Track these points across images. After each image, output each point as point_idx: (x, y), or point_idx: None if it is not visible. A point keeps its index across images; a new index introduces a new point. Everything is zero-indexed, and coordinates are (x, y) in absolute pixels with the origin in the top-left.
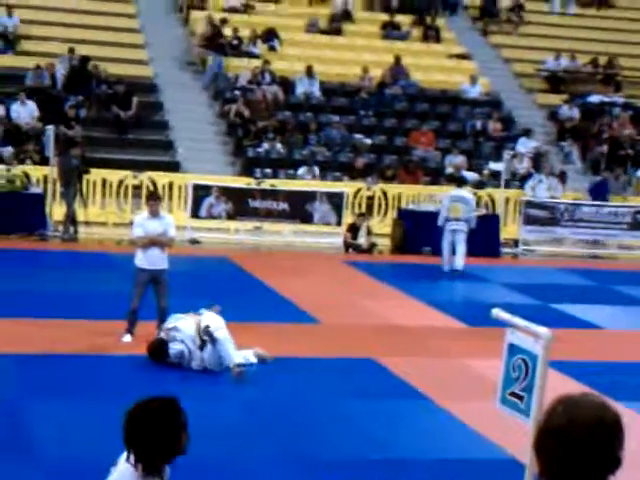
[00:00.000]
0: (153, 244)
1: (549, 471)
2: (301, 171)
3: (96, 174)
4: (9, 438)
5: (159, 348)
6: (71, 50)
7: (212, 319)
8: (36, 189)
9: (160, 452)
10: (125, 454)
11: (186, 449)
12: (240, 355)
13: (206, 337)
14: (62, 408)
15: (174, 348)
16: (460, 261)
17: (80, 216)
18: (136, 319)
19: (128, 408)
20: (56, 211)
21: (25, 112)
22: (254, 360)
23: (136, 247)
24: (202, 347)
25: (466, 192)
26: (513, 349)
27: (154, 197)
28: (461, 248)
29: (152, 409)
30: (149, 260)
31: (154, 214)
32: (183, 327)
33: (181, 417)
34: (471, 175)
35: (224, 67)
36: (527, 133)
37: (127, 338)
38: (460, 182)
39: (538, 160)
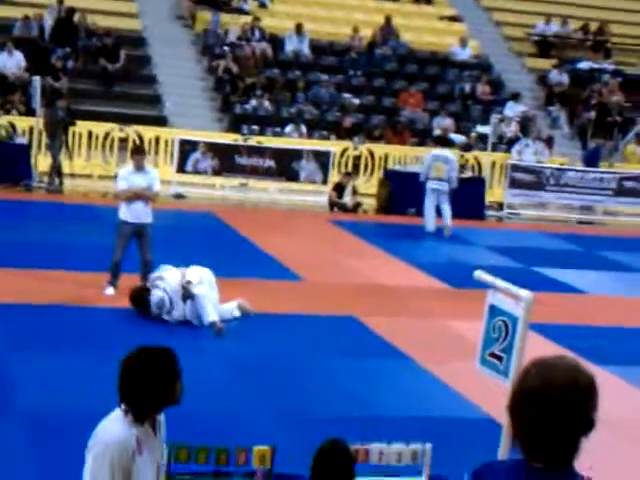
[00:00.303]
0: (137, 197)
1: (523, 432)
2: (288, 129)
3: (82, 126)
4: None
5: (140, 295)
6: (60, 1)
7: (196, 274)
8: (21, 140)
9: (153, 400)
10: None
11: (180, 399)
12: (224, 309)
13: (186, 291)
14: (44, 360)
15: (155, 295)
16: (449, 220)
17: (65, 168)
18: (119, 271)
19: (123, 356)
20: (41, 162)
21: (12, 62)
22: (237, 314)
23: (120, 200)
24: (185, 299)
25: (449, 152)
26: (494, 310)
27: (139, 151)
28: (447, 208)
29: (147, 356)
30: (133, 214)
31: (139, 168)
32: (168, 277)
33: (176, 365)
34: (458, 137)
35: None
36: (515, 97)
37: (110, 290)
38: (444, 142)
39: (525, 124)
